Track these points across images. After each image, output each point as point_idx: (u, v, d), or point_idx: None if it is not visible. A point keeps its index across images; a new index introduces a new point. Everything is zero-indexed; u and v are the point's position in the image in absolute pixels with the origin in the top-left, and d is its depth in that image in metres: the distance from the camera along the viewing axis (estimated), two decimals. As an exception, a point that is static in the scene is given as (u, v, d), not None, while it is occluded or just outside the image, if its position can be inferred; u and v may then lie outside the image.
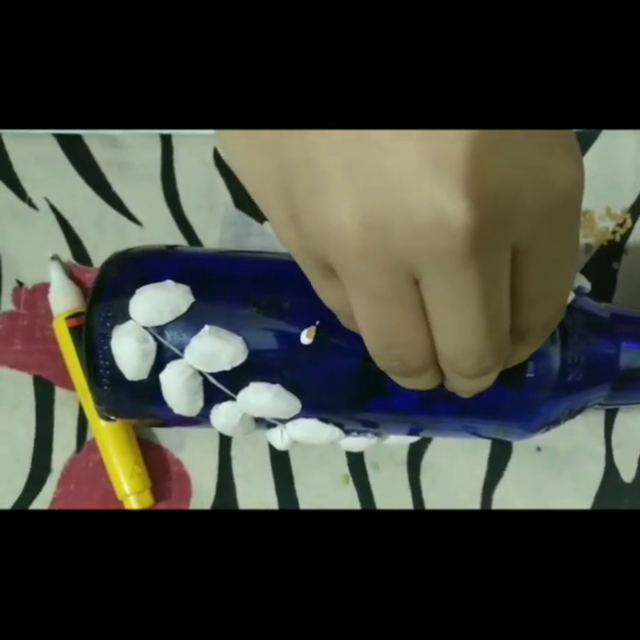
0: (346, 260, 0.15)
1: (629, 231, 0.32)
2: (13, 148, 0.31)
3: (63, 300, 0.29)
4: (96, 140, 0.31)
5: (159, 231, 0.31)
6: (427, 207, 0.14)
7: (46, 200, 0.31)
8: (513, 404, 0.24)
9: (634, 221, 0.32)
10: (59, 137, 0.31)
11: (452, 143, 0.14)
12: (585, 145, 0.32)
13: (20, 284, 0.30)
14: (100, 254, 0.30)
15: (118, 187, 0.31)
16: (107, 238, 0.31)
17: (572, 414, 0.25)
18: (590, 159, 0.32)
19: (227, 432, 0.24)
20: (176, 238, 0.31)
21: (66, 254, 0.30)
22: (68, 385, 0.29)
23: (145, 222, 0.31)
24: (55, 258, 0.30)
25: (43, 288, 0.30)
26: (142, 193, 0.31)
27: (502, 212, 0.15)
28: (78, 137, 0.31)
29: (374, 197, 0.15)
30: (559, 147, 0.15)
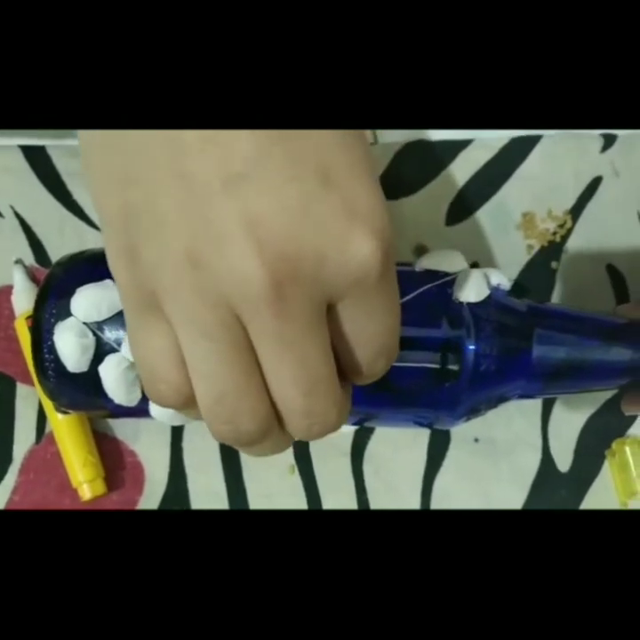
0: (177, 292, 0.17)
1: (569, 232, 0.34)
2: (-19, 159, 0.33)
3: (25, 301, 0.31)
4: (59, 151, 0.33)
5: (117, 236, 0.33)
6: (237, 260, 0.16)
7: (11, 207, 0.33)
8: (436, 393, 0.26)
9: (574, 222, 0.33)
10: (24, 148, 0.33)
11: (265, 206, 0.16)
12: (527, 148, 0.34)
13: (-14, 286, 0.32)
14: (60, 258, 0.32)
15: (79, 195, 0.33)
16: (67, 243, 0.32)
17: (491, 404, 0.27)
18: (532, 162, 0.34)
19: (165, 421, 0.26)
20: (134, 243, 0.33)
21: (29, 258, 0.32)
22: (29, 381, 0.31)
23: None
24: (18, 262, 0.32)
25: (7, 290, 0.32)
26: (101, 200, 0.33)
27: (303, 271, 0.17)
28: (42, 148, 0.33)
29: (201, 242, 0.17)
30: (365, 222, 0.17)
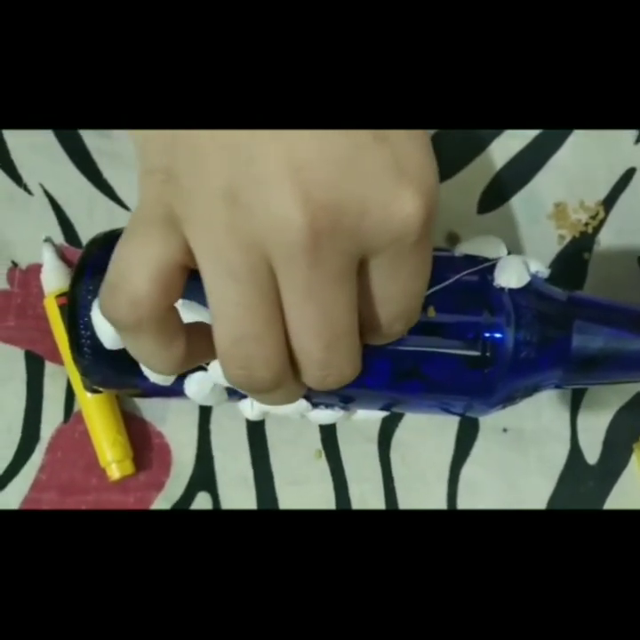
0: (210, 227, 0.16)
1: (602, 223, 0.33)
2: (11, 137, 0.32)
3: (54, 279, 0.31)
4: (89, 130, 0.33)
5: (147, 216, 0.32)
6: (277, 203, 0.16)
7: (41, 186, 0.32)
8: (472, 380, 0.25)
9: (606, 214, 0.33)
10: (54, 126, 0.33)
11: (312, 152, 0.16)
12: (561, 138, 0.33)
13: (15, 264, 0.32)
14: (90, 237, 0.32)
15: (109, 174, 0.32)
16: (97, 222, 0.32)
17: (527, 392, 0.26)
18: (565, 152, 0.33)
19: (199, 400, 0.26)
20: (163, 224, 0.33)
21: (58, 237, 0.32)
22: (57, 360, 0.31)
23: (133, 207, 0.32)
24: (48, 240, 0.32)
25: (36, 268, 0.32)
26: (131, 180, 0.32)
27: (343, 223, 0.16)
28: (73, 126, 0.33)
29: (241, 179, 0.16)
30: (413, 181, 0.17)
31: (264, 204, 0.16)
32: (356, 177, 0.16)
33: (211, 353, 0.18)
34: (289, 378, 0.18)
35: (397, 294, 0.18)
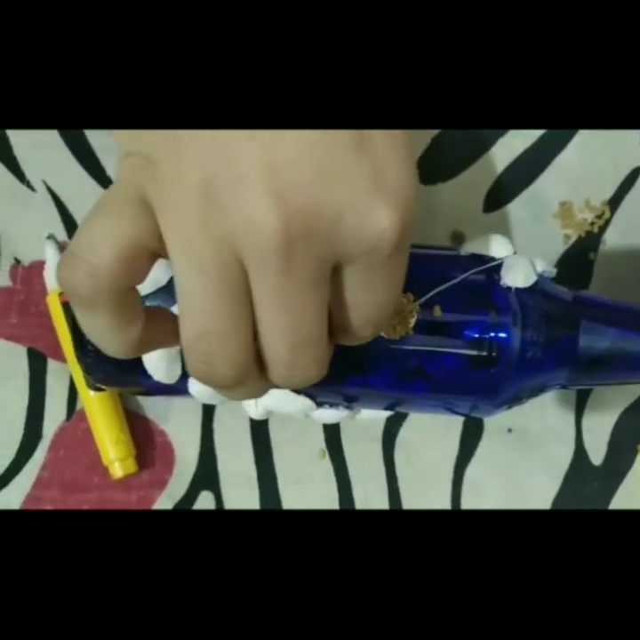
0: (182, 220, 0.16)
1: (607, 223, 0.33)
2: (14, 134, 0.32)
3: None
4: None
5: (151, 214, 0.32)
6: (251, 206, 0.16)
7: (44, 182, 0.32)
8: (478, 380, 0.25)
9: (612, 213, 0.33)
10: (58, 123, 0.33)
11: (291, 154, 0.16)
12: (566, 137, 0.33)
13: (18, 261, 0.32)
14: (93, 234, 0.32)
15: (113, 171, 0.32)
16: (100, 219, 0.32)
17: (533, 393, 0.26)
18: (571, 151, 0.33)
19: (203, 399, 0.25)
20: (167, 221, 0.32)
21: (61, 234, 0.32)
22: (60, 357, 0.31)
23: (137, 205, 0.32)
24: (51, 237, 0.32)
25: (39, 265, 0.32)
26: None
27: (317, 229, 0.16)
28: (76, 123, 0.33)
29: (218, 178, 0.16)
30: (389, 194, 0.17)
31: (239, 204, 0.16)
32: (334, 184, 0.16)
33: (171, 340, 0.18)
34: (253, 375, 0.18)
35: (368, 302, 0.18)
